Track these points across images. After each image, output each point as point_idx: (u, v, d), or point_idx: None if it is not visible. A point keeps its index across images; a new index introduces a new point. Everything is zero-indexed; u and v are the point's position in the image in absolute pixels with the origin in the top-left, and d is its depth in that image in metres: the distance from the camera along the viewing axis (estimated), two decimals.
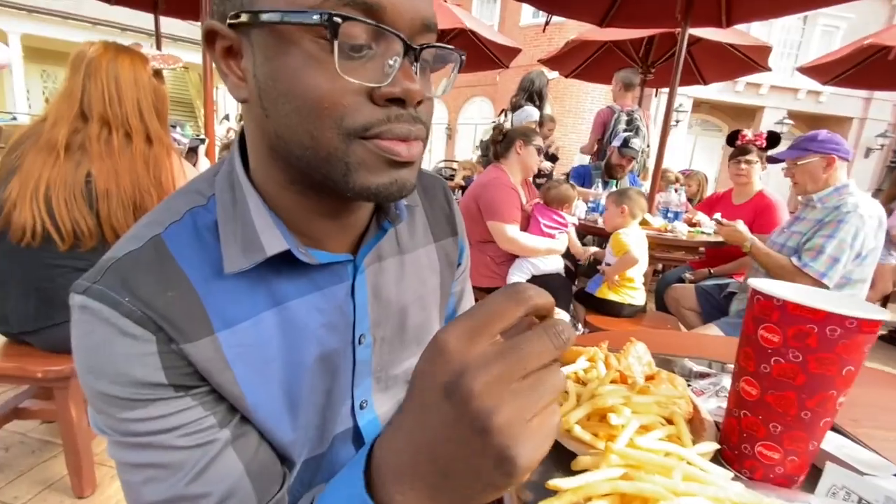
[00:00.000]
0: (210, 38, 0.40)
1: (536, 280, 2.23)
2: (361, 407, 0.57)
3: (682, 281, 2.65)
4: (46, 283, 1.18)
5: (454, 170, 6.29)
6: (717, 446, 0.43)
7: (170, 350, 0.40)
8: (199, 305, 0.42)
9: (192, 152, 2.73)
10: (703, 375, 0.64)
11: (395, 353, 0.59)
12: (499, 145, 2.26)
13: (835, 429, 0.51)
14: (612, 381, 0.51)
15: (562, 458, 0.45)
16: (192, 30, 9.35)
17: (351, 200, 0.45)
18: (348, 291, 0.51)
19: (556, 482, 0.36)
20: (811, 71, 4.41)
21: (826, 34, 11.98)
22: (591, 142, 3.57)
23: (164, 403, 0.40)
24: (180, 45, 9.61)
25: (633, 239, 2.06)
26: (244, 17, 0.36)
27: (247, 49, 0.39)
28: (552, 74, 4.06)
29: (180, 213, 0.44)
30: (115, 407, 0.39)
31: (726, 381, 0.60)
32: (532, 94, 3.53)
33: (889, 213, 2.97)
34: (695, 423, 0.50)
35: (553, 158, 3.97)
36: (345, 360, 0.53)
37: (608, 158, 3.14)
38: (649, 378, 0.55)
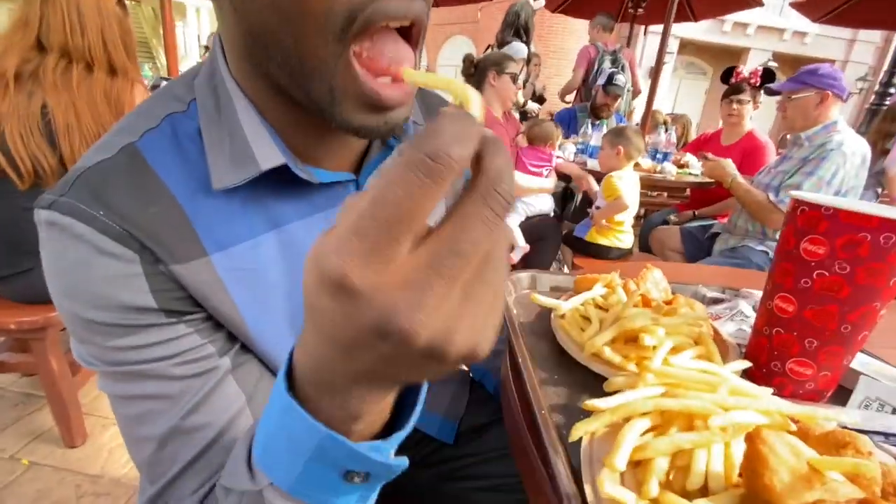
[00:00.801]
0: None
1: (530, 221, 2.20)
2: None
3: (666, 223, 2.66)
4: (10, 227, 1.09)
5: None
6: (748, 364, 0.42)
7: (157, 272, 0.35)
8: (186, 224, 0.36)
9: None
10: (716, 301, 0.62)
11: None
12: (471, 79, 2.11)
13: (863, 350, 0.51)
14: (636, 305, 0.49)
15: (587, 383, 0.43)
16: None
17: None
18: None
19: (594, 402, 0.34)
20: (803, 7, 4.29)
21: None
22: (574, 79, 3.46)
23: (157, 330, 0.36)
24: None
25: (626, 183, 2.02)
26: None
27: None
28: (537, 4, 3.81)
29: (157, 119, 0.38)
30: (100, 334, 0.35)
31: (743, 306, 0.59)
32: (518, 28, 3.33)
33: (884, 153, 3.00)
34: (718, 345, 0.48)
35: (540, 100, 3.84)
36: None
37: (594, 98, 3.04)
38: (667, 303, 0.53)
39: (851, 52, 12.12)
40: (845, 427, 0.37)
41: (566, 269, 2.38)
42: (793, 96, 1.72)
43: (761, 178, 1.95)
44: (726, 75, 2.50)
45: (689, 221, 2.56)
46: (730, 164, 1.98)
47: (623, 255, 2.16)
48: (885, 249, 0.36)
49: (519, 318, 0.58)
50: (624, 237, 2.13)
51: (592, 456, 0.32)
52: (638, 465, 0.31)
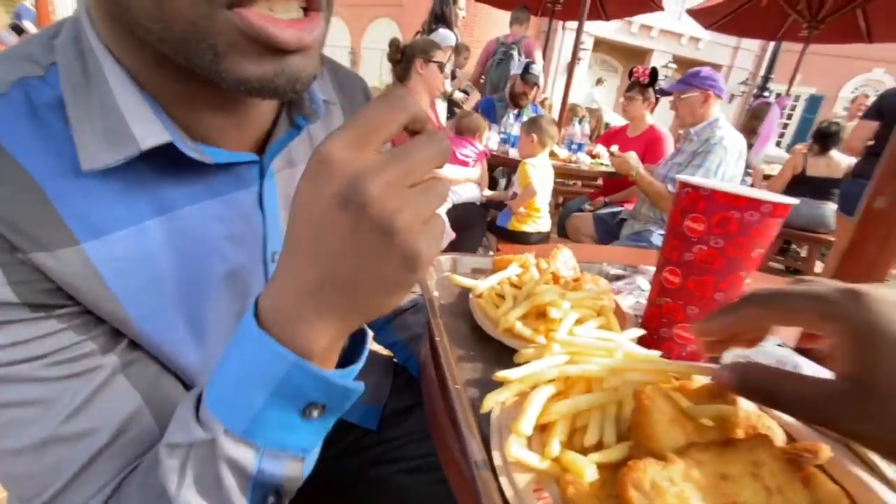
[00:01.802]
0: None
1: (457, 208, 2.24)
2: None
3: (581, 210, 2.85)
4: None
5: None
6: (642, 331, 0.46)
7: (15, 260, 0.30)
8: (48, 207, 0.31)
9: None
10: (619, 277, 0.68)
11: None
12: (398, 66, 2.08)
13: None
14: (546, 282, 0.51)
15: (502, 357, 0.45)
16: None
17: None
18: (255, 200, 0.43)
19: (503, 373, 0.35)
20: (698, 13, 4.74)
21: None
22: (475, 73, 3.58)
23: (21, 326, 0.31)
24: None
25: (538, 170, 2.12)
26: None
27: None
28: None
29: (3, 86, 0.32)
30: None
31: (639, 280, 0.65)
32: (446, 13, 3.32)
33: (750, 147, 3.42)
34: (618, 316, 0.53)
35: (465, 92, 3.88)
36: (255, 280, 0.45)
37: (511, 87, 3.14)
38: (575, 280, 0.57)
39: (736, 59, 13.71)
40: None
41: (492, 254, 2.46)
42: (682, 96, 1.92)
43: (660, 170, 2.15)
44: (631, 73, 2.72)
45: (601, 208, 2.77)
46: (633, 158, 2.17)
47: (542, 238, 2.28)
48: (749, 225, 0.41)
49: (440, 299, 0.59)
50: (542, 222, 2.24)
51: (501, 424, 0.33)
52: (544, 430, 0.33)
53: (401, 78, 2.10)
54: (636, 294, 0.62)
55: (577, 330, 0.42)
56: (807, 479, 0.27)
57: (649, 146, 2.65)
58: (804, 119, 13.76)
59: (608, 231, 2.48)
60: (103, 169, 0.32)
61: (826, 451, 0.29)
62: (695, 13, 4.76)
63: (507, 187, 3.28)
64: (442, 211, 2.08)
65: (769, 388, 0.26)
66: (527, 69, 2.93)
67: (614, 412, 0.32)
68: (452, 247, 2.36)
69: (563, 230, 2.83)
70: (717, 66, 13.73)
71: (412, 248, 0.24)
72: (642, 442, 0.28)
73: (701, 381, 0.35)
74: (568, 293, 0.48)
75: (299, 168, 0.47)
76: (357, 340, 0.34)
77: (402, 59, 2.05)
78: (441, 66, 2.04)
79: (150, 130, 0.33)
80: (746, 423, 0.33)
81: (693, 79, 1.95)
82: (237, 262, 0.43)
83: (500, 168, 3.29)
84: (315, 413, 0.29)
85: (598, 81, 7.49)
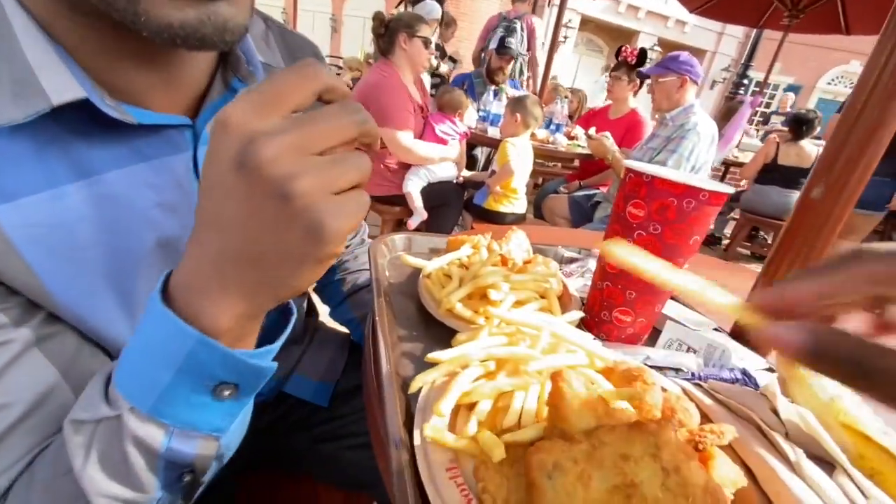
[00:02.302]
0: None
1: (433, 186, 2.21)
2: None
3: (557, 192, 2.86)
4: None
5: (340, 68, 5.69)
6: (581, 314, 0.47)
7: None
8: None
9: None
10: (572, 260, 0.69)
11: None
12: (382, 39, 2.03)
13: (672, 297, 0.60)
14: (494, 264, 0.51)
15: (444, 338, 0.45)
16: None
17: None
18: (189, 165, 0.41)
19: (434, 355, 0.36)
20: None
21: None
22: (476, 48, 3.50)
23: None
24: None
25: (517, 150, 2.11)
26: None
27: None
28: None
29: None
30: None
31: (591, 264, 0.65)
32: None
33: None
34: (564, 299, 0.53)
35: (452, 60, 3.80)
36: None
37: (488, 63, 3.09)
38: (527, 262, 0.57)
39: (720, 44, 13.75)
40: (650, 365, 0.43)
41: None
42: (659, 79, 1.93)
43: (636, 153, 2.17)
44: (618, 53, 2.70)
45: (576, 191, 2.78)
46: (610, 141, 2.18)
47: (517, 220, 2.29)
48: (687, 212, 0.41)
49: (390, 278, 0.59)
50: (518, 203, 2.25)
51: (427, 404, 0.33)
52: (471, 409, 0.34)
53: (384, 52, 2.04)
54: (587, 277, 0.63)
55: (515, 312, 0.42)
56: (707, 459, 0.28)
57: (629, 130, 2.66)
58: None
59: (582, 214, 2.51)
60: (10, 126, 0.30)
61: (730, 432, 0.30)
62: None
63: (486, 166, 3.26)
64: (416, 188, 2.06)
65: (858, 359, 0.20)
66: (502, 43, 2.88)
67: (536, 394, 0.33)
68: (427, 225, 2.35)
69: (539, 211, 2.84)
70: (701, 52, 13.77)
71: (314, 218, 0.23)
72: (555, 423, 0.29)
73: (631, 364, 0.36)
74: (512, 275, 0.48)
75: None
76: (282, 320, 0.33)
77: (386, 33, 1.98)
78: (426, 42, 1.98)
79: (62, 85, 0.31)
80: (666, 404, 0.34)
81: (671, 63, 1.96)
82: (170, 232, 0.41)
83: (480, 147, 3.26)
84: (227, 392, 0.28)
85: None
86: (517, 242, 0.62)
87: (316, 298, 0.79)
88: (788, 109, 5.24)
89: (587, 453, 0.26)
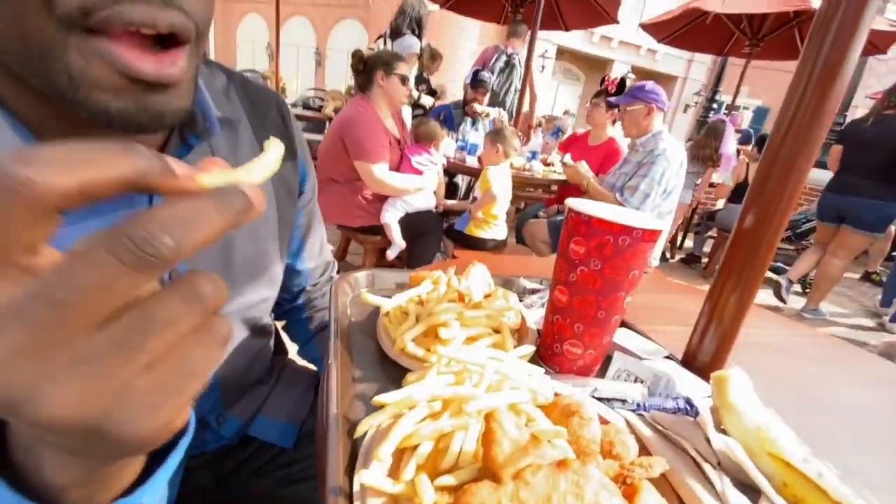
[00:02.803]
0: None
1: (412, 216, 2.24)
2: None
3: (537, 217, 2.92)
4: None
5: (323, 100, 5.80)
6: (533, 348, 0.48)
7: None
8: None
9: None
10: (533, 291, 0.70)
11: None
12: (360, 76, 2.09)
13: (628, 325, 0.61)
14: (450, 301, 0.53)
15: (399, 377, 0.46)
16: None
17: None
18: None
19: (380, 398, 0.36)
20: (650, 28, 4.95)
21: None
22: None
23: None
24: None
25: (499, 177, 2.18)
26: None
27: None
28: (433, 7, 3.90)
29: None
30: None
31: None
32: (411, 19, 3.34)
33: (704, 159, 3.61)
34: (521, 332, 0.55)
35: (433, 93, 3.91)
36: None
37: (465, 96, 3.20)
38: (487, 296, 0.58)
39: (690, 70, 14.37)
40: (597, 397, 0.45)
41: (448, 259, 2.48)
42: (627, 108, 2.02)
43: (609, 179, 2.25)
44: (602, 82, 2.84)
45: (555, 215, 2.84)
46: (584, 168, 2.27)
47: (498, 245, 2.33)
48: (623, 249, 0.44)
49: (352, 317, 0.60)
50: (498, 230, 2.29)
51: (369, 448, 0.34)
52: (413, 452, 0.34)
53: (362, 88, 2.11)
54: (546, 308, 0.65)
55: (463, 350, 0.44)
56: (633, 493, 0.29)
57: (607, 158, 2.75)
58: (753, 130, 14.60)
59: None
60: None
61: (660, 464, 0.31)
62: (648, 27, 4.97)
63: (467, 194, 3.32)
64: (394, 219, 2.09)
65: None
66: (475, 76, 3.00)
67: (476, 434, 0.34)
68: (408, 254, 2.37)
69: (520, 236, 2.89)
70: (672, 78, 14.36)
71: (95, 428, 0.15)
72: (488, 464, 0.30)
73: (575, 398, 0.38)
74: (466, 312, 0.50)
75: None
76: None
77: (364, 69, 2.05)
78: (403, 79, 2.05)
79: (5, 145, 0.32)
80: (605, 438, 0.36)
81: (638, 92, 2.06)
82: None
83: (461, 176, 3.32)
84: None
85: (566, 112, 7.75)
86: (477, 277, 0.63)
87: (285, 337, 0.79)
88: (743, 127, 5.48)
89: (513, 494, 0.27)
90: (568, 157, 2.45)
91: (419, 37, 3.43)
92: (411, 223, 2.25)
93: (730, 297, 0.52)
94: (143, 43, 0.29)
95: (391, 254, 2.28)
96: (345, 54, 13.68)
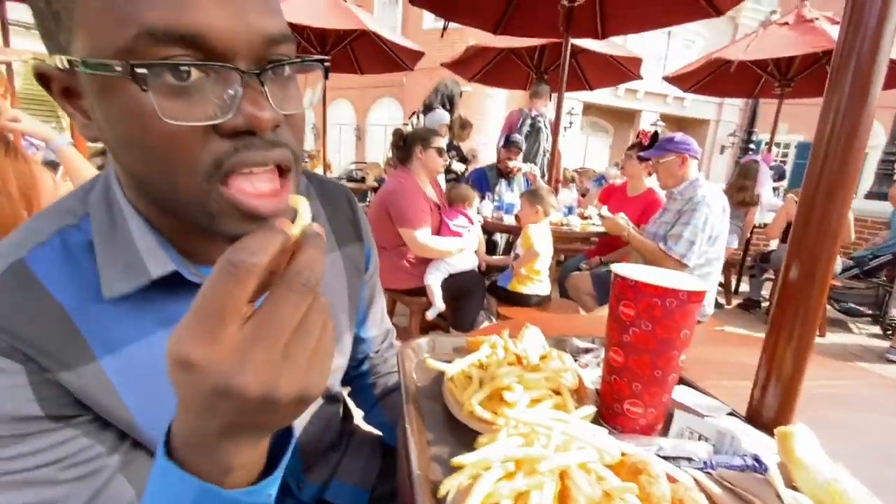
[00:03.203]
0: (43, 80, 0.36)
1: (453, 277, 2.31)
2: None
3: (579, 269, 2.92)
4: None
5: (364, 172, 6.21)
6: (594, 409, 0.50)
7: (43, 380, 0.37)
8: (73, 331, 0.39)
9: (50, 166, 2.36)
10: (587, 351, 0.73)
11: None
12: (400, 151, 2.30)
13: (686, 382, 0.62)
14: (510, 364, 0.57)
15: (469, 441, 0.49)
16: None
17: None
18: None
19: (458, 459, 0.40)
20: (675, 80, 5.08)
21: (686, 47, 13.85)
22: (500, 141, 3.85)
23: (43, 436, 0.37)
24: (35, 34, 8.25)
25: (539, 234, 2.24)
26: (59, 63, 0.33)
27: (80, 88, 0.35)
28: (466, 87, 4.29)
29: (46, 235, 0.40)
30: None
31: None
32: (443, 96, 3.68)
33: (741, 203, 3.55)
34: (580, 393, 0.57)
35: (464, 160, 4.14)
36: None
37: (498, 156, 3.37)
38: (542, 358, 0.62)
39: (721, 113, 14.37)
40: (662, 455, 0.46)
41: (493, 318, 2.50)
42: (660, 161, 2.07)
43: (650, 228, 2.25)
44: (638, 136, 2.94)
45: (597, 267, 2.83)
46: (623, 219, 2.30)
47: (542, 301, 2.33)
48: (671, 311, 0.47)
49: (417, 382, 0.64)
50: (542, 286, 2.31)
51: None
52: None
53: (402, 161, 2.31)
54: (601, 368, 0.67)
55: (529, 412, 0.47)
56: None
57: (647, 208, 2.77)
58: (798, 165, 14.13)
59: (607, 289, 2.51)
60: (120, 296, 0.40)
61: None
62: (672, 79, 5.11)
63: (507, 250, 3.38)
64: (436, 282, 2.18)
65: None
66: (508, 139, 3.18)
67: (551, 493, 0.37)
68: (452, 314, 2.41)
69: (563, 289, 2.88)
70: (703, 121, 14.36)
71: (299, 404, 0.26)
72: None
73: (643, 456, 0.40)
74: (526, 374, 0.53)
75: None
76: (284, 438, 0.34)
77: (404, 145, 2.27)
78: (440, 151, 2.25)
79: (159, 263, 0.41)
80: (674, 496, 0.37)
81: (668, 144, 2.10)
82: None
83: (499, 234, 3.42)
84: None
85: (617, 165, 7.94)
86: (531, 339, 0.67)
87: (350, 402, 0.84)
88: (772, 162, 5.34)
89: None
90: (605, 210, 2.49)
91: (451, 111, 3.73)
92: (454, 283, 2.32)
93: (785, 351, 0.53)
94: (262, 177, 0.37)
95: (430, 314, 2.35)
96: (382, 128, 14.74)
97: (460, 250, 2.30)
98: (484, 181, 3.37)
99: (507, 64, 5.10)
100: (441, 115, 3.60)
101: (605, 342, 0.75)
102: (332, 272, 0.63)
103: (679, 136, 2.12)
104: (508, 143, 3.20)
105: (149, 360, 0.42)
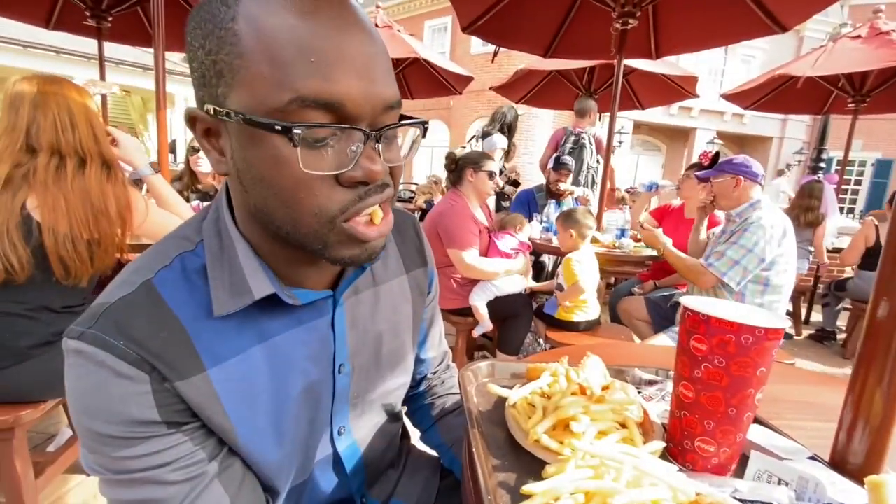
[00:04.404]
0: (191, 121, 0.43)
1: (500, 300, 2.31)
2: (339, 433, 0.60)
3: (631, 294, 2.82)
4: None
5: (413, 192, 6.37)
6: (663, 444, 0.50)
7: (163, 389, 0.42)
8: (189, 345, 0.44)
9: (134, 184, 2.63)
10: (651, 382, 0.71)
11: (372, 379, 0.62)
12: (452, 174, 2.36)
13: (760, 422, 0.60)
14: (573, 394, 0.57)
15: (533, 468, 0.50)
16: (136, 53, 9.01)
17: None
18: (329, 323, 0.55)
19: (528, 488, 0.41)
20: (734, 97, 4.88)
21: (744, 63, 13.28)
22: (544, 158, 3.86)
23: (158, 440, 0.42)
24: (122, 69, 9.24)
25: (584, 266, 2.17)
26: (216, 112, 0.40)
27: (224, 132, 0.42)
28: (522, 109, 4.42)
29: (170, 258, 0.46)
30: (109, 446, 0.41)
31: (670, 387, 0.68)
32: (502, 125, 3.83)
33: (808, 224, 3.33)
34: (645, 426, 0.56)
35: (515, 184, 4.19)
36: (326, 389, 0.56)
37: (547, 179, 3.36)
38: (605, 388, 0.62)
39: (785, 129, 13.55)
40: (739, 498, 0.44)
41: (541, 341, 2.46)
42: (714, 180, 2.01)
43: (706, 252, 2.16)
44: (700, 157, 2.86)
45: (652, 291, 2.73)
46: (661, 234, 2.23)
47: (591, 325, 2.27)
48: (747, 348, 0.46)
49: (479, 406, 0.65)
50: (590, 311, 2.25)
51: None
52: None
53: (454, 183, 2.38)
54: (666, 401, 0.65)
55: (598, 444, 0.47)
56: None
57: (708, 228, 2.66)
58: (875, 184, 13.00)
59: (662, 315, 2.43)
60: (226, 314, 0.45)
61: None
62: (730, 97, 4.91)
63: (553, 273, 3.34)
64: (482, 302, 2.22)
65: None
66: (557, 160, 3.16)
67: None
68: (498, 336, 2.40)
69: (614, 313, 2.79)
70: (765, 139, 13.60)
71: None
72: None
73: (717, 496, 0.39)
74: (591, 405, 0.53)
75: (362, 294, 0.59)
76: None
77: (456, 168, 2.33)
78: (490, 174, 2.29)
79: (261, 286, 0.46)
80: None
81: (726, 165, 2.02)
82: (313, 377, 0.53)
83: (547, 256, 3.38)
84: None
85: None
86: (593, 368, 0.67)
87: (407, 422, 0.86)
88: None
89: None
90: (646, 215, 2.43)
91: (509, 136, 3.84)
92: (500, 305, 2.32)
93: (875, 393, 0.50)
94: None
95: (477, 332, 2.35)
96: (429, 150, 15.09)
97: (507, 273, 2.30)
98: (532, 202, 3.37)
99: (556, 85, 5.12)
100: (497, 140, 3.72)
101: (672, 375, 0.73)
102: (401, 296, 0.66)
103: (740, 158, 2.03)
104: (559, 165, 3.18)
105: (246, 372, 0.47)
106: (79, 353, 0.41)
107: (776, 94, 4.65)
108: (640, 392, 0.67)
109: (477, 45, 12.40)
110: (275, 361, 0.50)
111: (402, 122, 0.44)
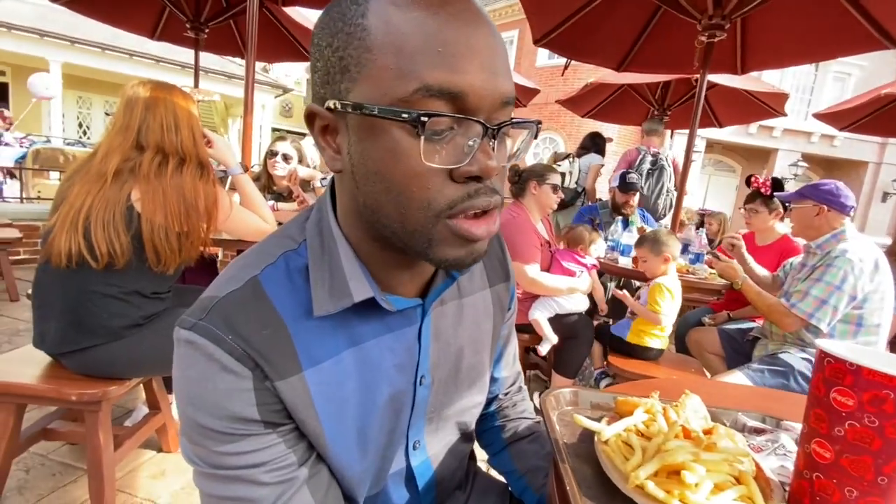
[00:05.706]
0: (310, 118, 0.44)
1: (560, 319, 2.23)
2: (414, 447, 0.58)
3: (702, 324, 2.62)
4: (79, 307, 1.21)
5: None
6: None
7: (264, 387, 0.42)
8: (290, 344, 0.44)
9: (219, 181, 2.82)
10: (758, 431, 0.63)
11: (449, 394, 0.60)
12: (514, 186, 2.32)
13: None
14: (676, 436, 0.51)
15: None
16: (221, 62, 9.80)
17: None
18: (416, 333, 0.53)
19: None
20: (827, 117, 4.48)
21: (838, 80, 12.19)
22: (612, 178, 3.74)
23: (255, 439, 0.42)
24: (211, 77, 10.09)
25: (673, 293, 2.03)
26: (340, 106, 0.39)
27: (342, 128, 0.42)
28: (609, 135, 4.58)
29: (274, 256, 0.47)
30: (210, 440, 0.41)
31: (785, 439, 0.60)
32: (596, 144, 4.06)
33: None
34: (760, 483, 0.49)
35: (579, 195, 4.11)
36: (407, 400, 0.54)
37: (612, 198, 3.23)
38: (707, 432, 0.55)
39: (884, 155, 12.21)
40: None
41: (592, 369, 2.34)
42: (793, 206, 1.81)
43: (783, 287, 1.95)
44: (748, 182, 2.60)
45: (724, 322, 2.52)
46: (738, 267, 2.03)
47: (657, 355, 2.12)
48: None
49: (563, 437, 0.61)
50: (664, 338, 2.11)
51: None
52: None
53: (516, 195, 2.33)
54: (780, 455, 0.57)
55: (714, 499, 0.42)
56: None
57: (783, 256, 2.43)
58: None
59: (738, 350, 2.23)
60: (325, 315, 0.44)
61: None
62: (823, 117, 4.51)
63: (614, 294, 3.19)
64: (544, 317, 2.15)
65: None
66: (623, 179, 3.02)
67: None
68: (556, 357, 2.31)
69: (681, 343, 2.60)
70: (859, 164, 12.35)
71: None
72: None
73: None
74: (702, 453, 0.48)
75: (447, 305, 0.57)
76: None
77: (519, 180, 2.29)
78: (555, 188, 2.23)
79: (360, 289, 0.46)
80: None
81: (811, 191, 1.81)
82: (399, 386, 0.52)
83: (608, 276, 3.24)
84: None
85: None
86: (693, 408, 0.60)
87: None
88: None
89: None
90: (720, 254, 2.22)
91: (602, 153, 4.01)
92: (560, 324, 2.23)
93: None
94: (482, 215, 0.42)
95: (542, 349, 2.26)
96: None
97: (571, 290, 2.21)
98: (596, 218, 3.25)
99: (626, 99, 4.94)
100: (594, 158, 3.71)
101: (783, 424, 0.65)
102: (483, 310, 0.64)
103: (830, 184, 1.80)
104: (625, 186, 3.05)
105: (338, 375, 0.46)
106: (190, 344, 0.42)
107: (878, 115, 4.21)
108: (746, 441, 0.60)
109: (542, 57, 12.31)
110: (364, 367, 0.48)
111: (518, 119, 0.42)
